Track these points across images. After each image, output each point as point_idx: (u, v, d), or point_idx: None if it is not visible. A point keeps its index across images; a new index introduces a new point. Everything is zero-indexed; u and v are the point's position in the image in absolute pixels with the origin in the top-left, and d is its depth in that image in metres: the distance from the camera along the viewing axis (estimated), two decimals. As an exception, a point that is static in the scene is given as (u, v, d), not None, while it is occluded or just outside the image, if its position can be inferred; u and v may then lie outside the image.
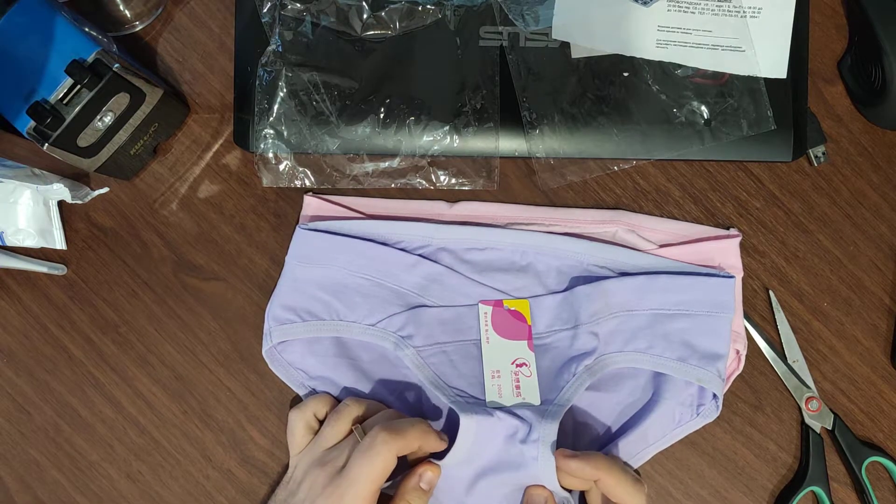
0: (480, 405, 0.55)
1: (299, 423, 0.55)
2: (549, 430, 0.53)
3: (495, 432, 0.53)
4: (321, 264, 0.57)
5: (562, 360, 0.56)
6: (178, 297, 0.61)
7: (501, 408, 0.55)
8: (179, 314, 0.61)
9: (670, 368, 0.56)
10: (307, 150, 0.59)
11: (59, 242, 0.60)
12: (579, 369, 0.56)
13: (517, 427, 0.53)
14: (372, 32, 0.59)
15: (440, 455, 0.53)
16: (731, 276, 0.57)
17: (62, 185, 0.57)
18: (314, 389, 0.58)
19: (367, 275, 0.56)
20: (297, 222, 0.60)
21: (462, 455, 0.53)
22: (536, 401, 0.56)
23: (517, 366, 0.56)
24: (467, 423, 0.53)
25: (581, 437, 0.58)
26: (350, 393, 0.59)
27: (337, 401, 0.57)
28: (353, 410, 0.53)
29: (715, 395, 0.56)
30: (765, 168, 0.62)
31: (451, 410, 0.57)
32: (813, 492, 0.59)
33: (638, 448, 0.57)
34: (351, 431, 0.52)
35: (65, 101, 0.52)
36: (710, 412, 0.57)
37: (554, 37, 0.58)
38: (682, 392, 0.57)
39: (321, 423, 0.55)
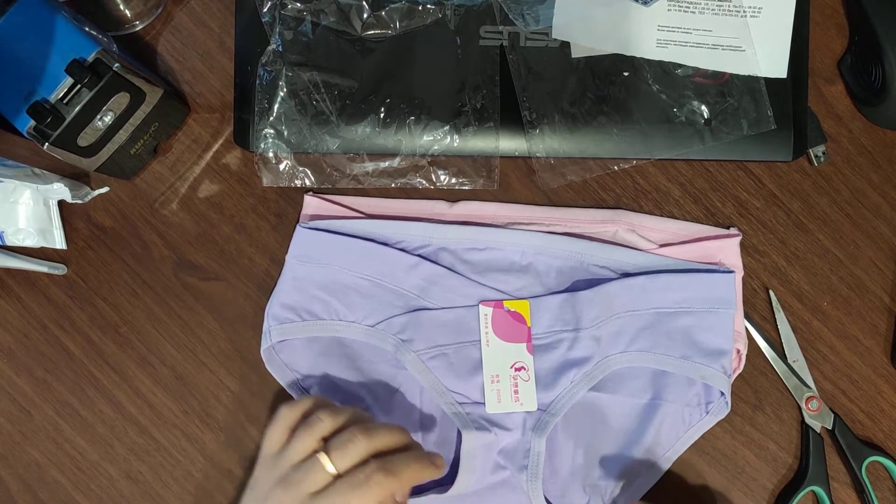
0: (480, 409, 0.56)
1: (283, 423, 0.49)
2: (539, 449, 0.56)
3: (491, 452, 0.56)
4: (321, 263, 0.57)
5: (560, 362, 0.56)
6: (178, 297, 0.61)
7: (498, 416, 0.56)
8: (179, 314, 0.61)
9: (674, 366, 0.56)
10: (307, 149, 0.59)
11: (59, 242, 0.60)
12: (577, 376, 0.56)
13: (513, 447, 0.56)
14: (372, 32, 0.59)
15: (444, 480, 0.56)
16: (731, 272, 0.57)
17: (62, 185, 0.57)
18: (308, 391, 0.58)
19: (367, 275, 0.57)
20: (298, 222, 0.60)
21: (463, 487, 0.56)
22: (533, 406, 0.56)
23: (516, 370, 0.56)
24: (468, 447, 0.55)
25: (588, 441, 0.58)
26: (349, 394, 0.59)
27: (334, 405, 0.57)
28: (324, 426, 0.48)
29: (722, 393, 0.56)
30: (765, 168, 0.61)
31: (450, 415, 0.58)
32: (813, 492, 0.59)
33: (655, 455, 0.57)
34: (314, 451, 0.47)
35: (65, 101, 0.52)
36: (720, 409, 0.57)
37: (554, 36, 0.58)
38: (686, 392, 0.57)
39: None
